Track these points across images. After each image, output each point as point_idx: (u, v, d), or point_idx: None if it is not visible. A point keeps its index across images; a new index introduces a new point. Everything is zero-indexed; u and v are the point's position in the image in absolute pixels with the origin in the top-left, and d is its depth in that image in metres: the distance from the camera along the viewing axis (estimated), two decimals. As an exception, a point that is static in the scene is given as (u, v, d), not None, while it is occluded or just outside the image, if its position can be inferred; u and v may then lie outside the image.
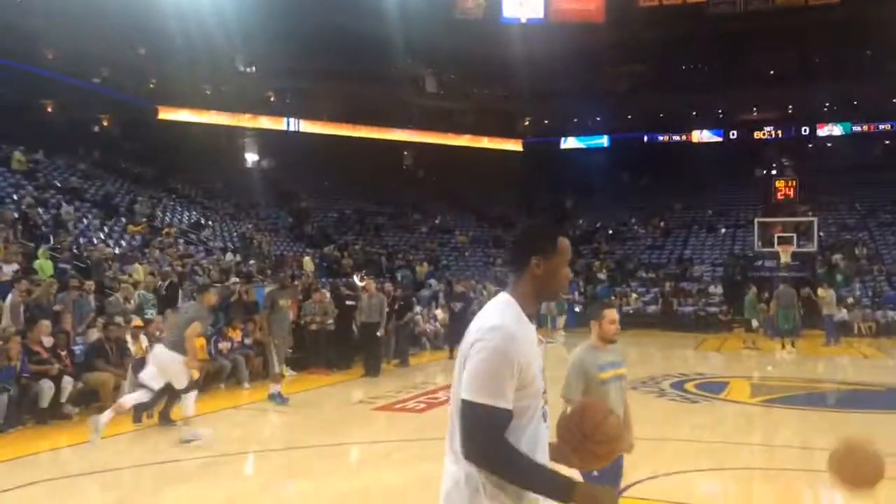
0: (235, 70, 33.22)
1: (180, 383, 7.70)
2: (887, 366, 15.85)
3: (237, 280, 15.77)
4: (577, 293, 23.94)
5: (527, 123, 38.91)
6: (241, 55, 32.65)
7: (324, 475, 6.84)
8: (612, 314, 4.07)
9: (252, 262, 20.62)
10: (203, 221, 25.22)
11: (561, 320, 20.12)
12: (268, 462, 7.53)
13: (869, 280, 24.84)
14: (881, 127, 32.99)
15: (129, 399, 7.81)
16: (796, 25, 29.87)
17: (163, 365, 7.61)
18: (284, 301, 10.48)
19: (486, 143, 36.58)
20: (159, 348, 7.83)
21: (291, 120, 33.15)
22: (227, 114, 32.15)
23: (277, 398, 10.01)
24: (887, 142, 34.20)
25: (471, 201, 34.87)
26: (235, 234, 25.63)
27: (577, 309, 22.38)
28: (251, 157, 35.93)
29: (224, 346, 11.64)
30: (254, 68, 33.66)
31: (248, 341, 12.16)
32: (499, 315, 2.03)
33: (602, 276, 26.99)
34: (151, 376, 7.63)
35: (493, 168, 35.00)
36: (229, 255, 20.83)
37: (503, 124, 37.19)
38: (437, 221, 32.68)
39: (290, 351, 11.74)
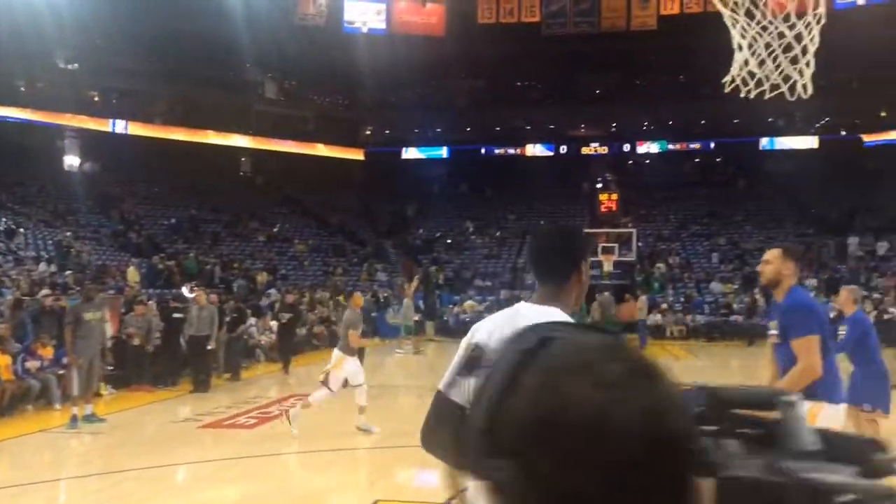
0: (55, 67, 30.87)
1: (357, 379, 8.96)
2: (696, 366, 17.27)
3: (48, 292, 14.63)
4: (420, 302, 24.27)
5: (369, 132, 39.01)
6: (62, 51, 30.39)
7: (145, 500, 6.49)
8: None
9: (68, 272, 19.20)
10: (14, 228, 23.19)
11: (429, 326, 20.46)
12: (82, 488, 7.04)
13: (681, 287, 27.00)
14: (692, 146, 36.04)
15: (317, 396, 8.73)
16: (620, 49, 31.96)
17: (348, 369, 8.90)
18: (93, 315, 9.80)
19: (327, 150, 36.28)
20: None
21: (118, 122, 31.22)
22: (44, 112, 29.77)
23: (90, 420, 9.39)
24: (697, 160, 37.40)
25: (311, 209, 34.45)
26: (51, 242, 23.77)
27: (416, 318, 22.65)
28: (71, 160, 33.45)
29: (32, 364, 10.76)
30: (76, 65, 31.42)
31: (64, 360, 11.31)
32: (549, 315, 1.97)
33: (441, 283, 27.56)
34: (353, 375, 8.94)
35: (335, 176, 34.80)
36: (42, 266, 19.29)
37: (345, 133, 37.07)
38: (275, 230, 31.96)
39: (110, 368, 11.05)
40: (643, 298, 20.87)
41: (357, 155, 37.20)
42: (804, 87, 3.37)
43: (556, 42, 32.12)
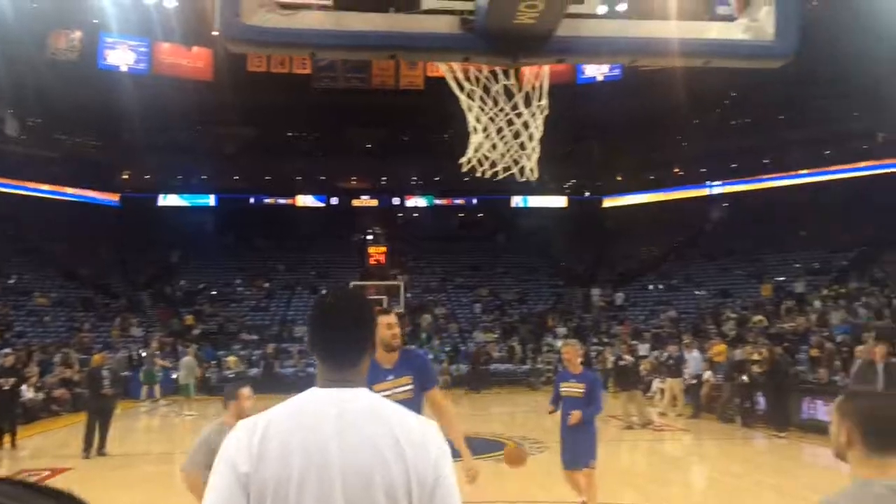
0: None
1: None
2: (463, 414, 17.87)
3: None
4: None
5: (126, 177, 36.54)
6: None
7: None
8: (246, 392, 4.41)
9: None
10: None
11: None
12: None
13: (446, 337, 28.02)
14: (457, 201, 37.98)
15: None
16: (390, 105, 33.01)
17: None
18: None
19: (76, 194, 33.36)
20: None
21: None
22: None
23: None
24: (461, 215, 39.43)
25: (57, 259, 31.26)
26: None
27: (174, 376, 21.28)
28: None
29: None
30: None
31: None
32: (419, 419, 1.81)
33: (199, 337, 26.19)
34: None
35: (85, 222, 32.01)
36: None
37: (99, 176, 34.41)
38: (11, 282, 28.55)
39: None
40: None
41: (111, 199, 34.64)
42: (531, 170, 3.66)
43: (328, 95, 32.51)
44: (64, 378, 19.18)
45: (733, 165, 34.65)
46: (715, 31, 3.40)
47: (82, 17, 28.32)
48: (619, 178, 38.15)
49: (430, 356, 24.67)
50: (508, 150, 3.87)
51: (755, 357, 15.63)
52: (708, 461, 12.49)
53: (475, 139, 3.86)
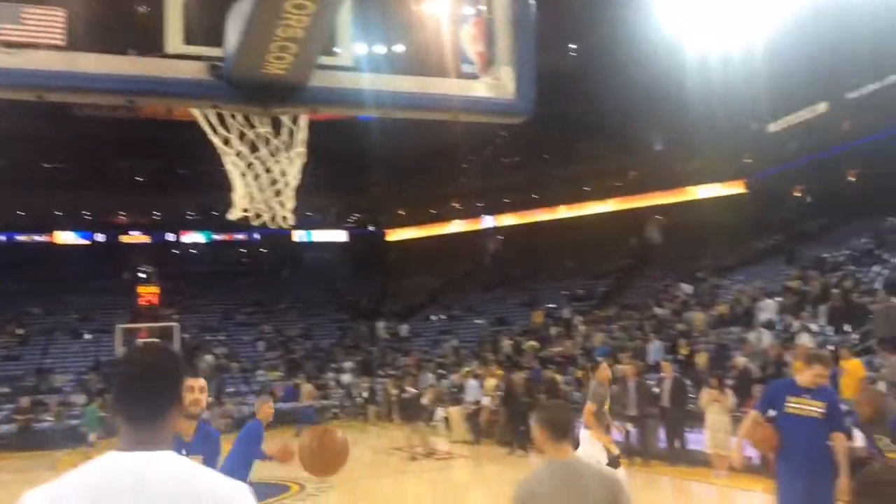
0: None
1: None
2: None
3: None
4: None
5: None
6: None
7: None
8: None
9: None
10: None
11: None
12: None
13: (228, 377, 26.83)
14: (237, 236, 36.74)
15: None
16: (162, 136, 31.26)
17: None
18: None
19: None
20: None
21: None
22: None
23: None
24: (242, 250, 38.22)
25: None
26: None
27: None
28: None
29: None
30: None
31: None
32: (233, 485, 1.71)
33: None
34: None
35: None
36: None
37: None
38: None
39: None
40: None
41: None
42: (284, 218, 3.62)
43: (91, 123, 30.18)
44: None
45: (506, 200, 36.86)
46: (461, 88, 3.59)
47: None
48: (402, 213, 39.08)
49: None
50: (265, 198, 3.79)
51: (492, 382, 16.76)
52: (490, 485, 12.99)
53: (238, 187, 3.76)
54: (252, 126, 3.62)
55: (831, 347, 13.30)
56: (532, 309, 29.43)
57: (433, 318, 32.67)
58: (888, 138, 24.20)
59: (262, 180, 3.76)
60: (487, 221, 37.38)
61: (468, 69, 3.61)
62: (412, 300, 34.56)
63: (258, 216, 3.81)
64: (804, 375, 5.44)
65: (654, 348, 18.01)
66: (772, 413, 5.45)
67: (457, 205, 38.69)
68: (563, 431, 3.23)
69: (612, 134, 31.81)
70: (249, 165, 3.75)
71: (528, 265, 32.98)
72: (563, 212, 35.11)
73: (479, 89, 3.58)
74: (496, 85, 3.59)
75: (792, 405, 5.30)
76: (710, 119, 27.11)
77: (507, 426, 16.19)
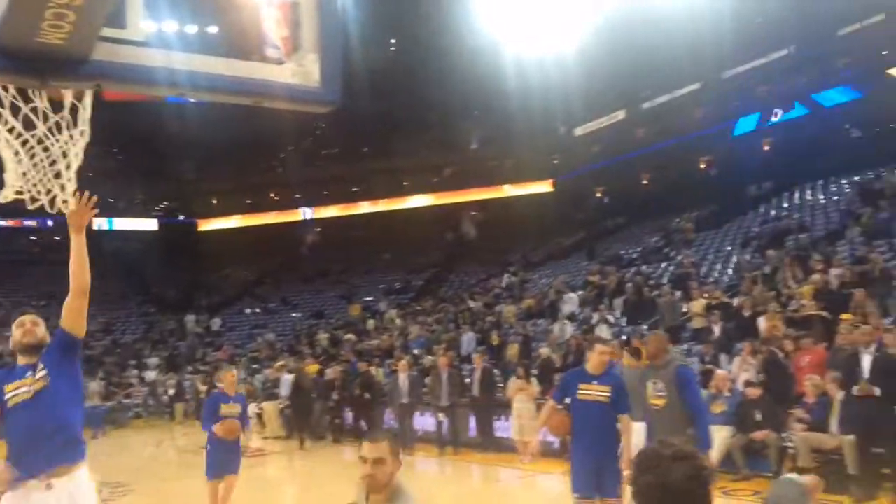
0: None
1: None
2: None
3: None
4: None
5: None
6: None
7: None
8: None
9: None
10: None
11: None
12: None
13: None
14: (27, 223, 33.49)
15: None
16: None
17: None
18: None
19: None
20: None
21: None
22: None
23: None
24: (32, 238, 34.90)
25: None
26: None
27: None
28: None
29: None
30: None
31: None
32: None
33: None
34: None
35: None
36: None
37: None
38: None
39: None
40: None
41: None
42: (64, 202, 3.30)
43: None
44: None
45: (325, 192, 36.44)
46: (264, 72, 3.44)
47: None
48: (215, 202, 37.47)
49: None
50: (41, 180, 3.44)
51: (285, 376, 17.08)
52: (306, 478, 12.79)
53: (12, 168, 3.37)
54: (28, 100, 3.27)
55: (624, 338, 14.38)
56: (349, 302, 29.35)
57: (247, 311, 31.67)
58: (677, 145, 26.67)
59: (40, 160, 3.41)
60: (305, 213, 36.76)
61: (272, 53, 3.47)
62: (225, 293, 33.31)
63: (34, 200, 3.44)
64: (592, 361, 5.88)
65: (468, 340, 18.54)
66: (567, 401, 5.83)
67: (274, 195, 37.72)
68: None
69: (431, 130, 32.44)
70: (24, 143, 3.39)
71: (346, 258, 32.84)
72: (381, 205, 35.30)
73: (284, 75, 3.45)
74: (301, 72, 3.47)
75: (582, 392, 5.70)
76: (523, 120, 28.39)
77: (295, 420, 16.14)
